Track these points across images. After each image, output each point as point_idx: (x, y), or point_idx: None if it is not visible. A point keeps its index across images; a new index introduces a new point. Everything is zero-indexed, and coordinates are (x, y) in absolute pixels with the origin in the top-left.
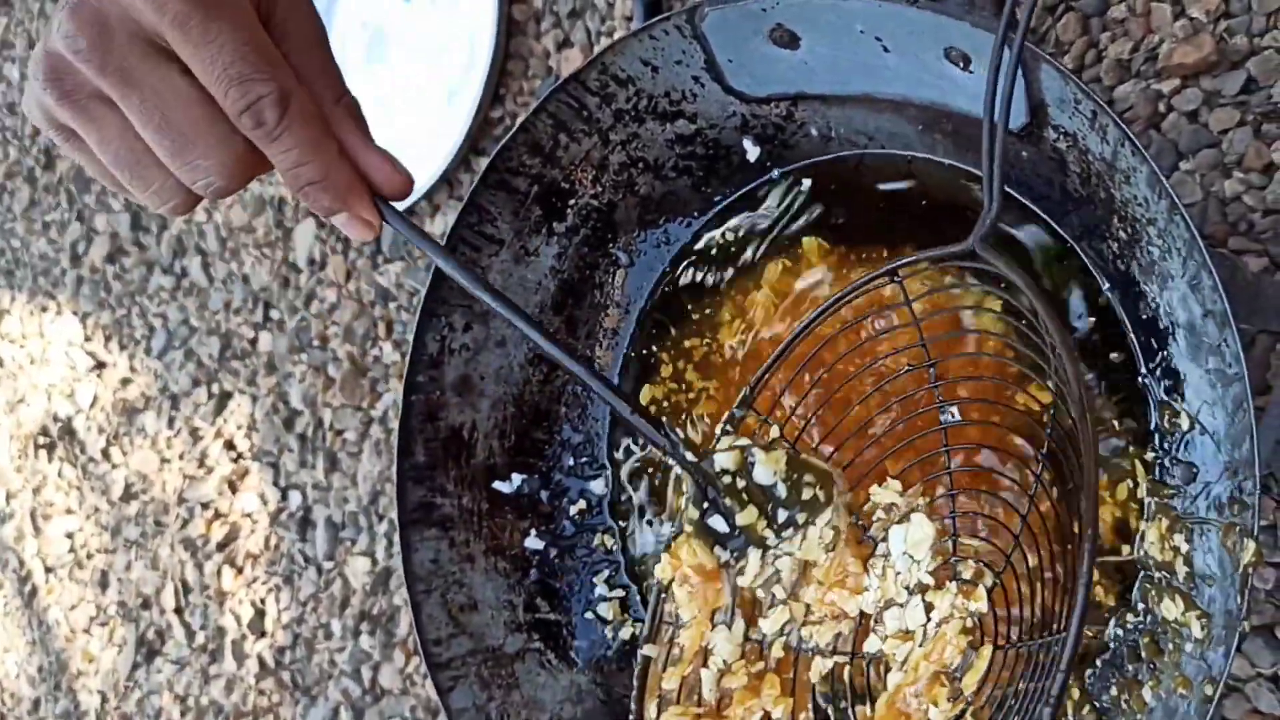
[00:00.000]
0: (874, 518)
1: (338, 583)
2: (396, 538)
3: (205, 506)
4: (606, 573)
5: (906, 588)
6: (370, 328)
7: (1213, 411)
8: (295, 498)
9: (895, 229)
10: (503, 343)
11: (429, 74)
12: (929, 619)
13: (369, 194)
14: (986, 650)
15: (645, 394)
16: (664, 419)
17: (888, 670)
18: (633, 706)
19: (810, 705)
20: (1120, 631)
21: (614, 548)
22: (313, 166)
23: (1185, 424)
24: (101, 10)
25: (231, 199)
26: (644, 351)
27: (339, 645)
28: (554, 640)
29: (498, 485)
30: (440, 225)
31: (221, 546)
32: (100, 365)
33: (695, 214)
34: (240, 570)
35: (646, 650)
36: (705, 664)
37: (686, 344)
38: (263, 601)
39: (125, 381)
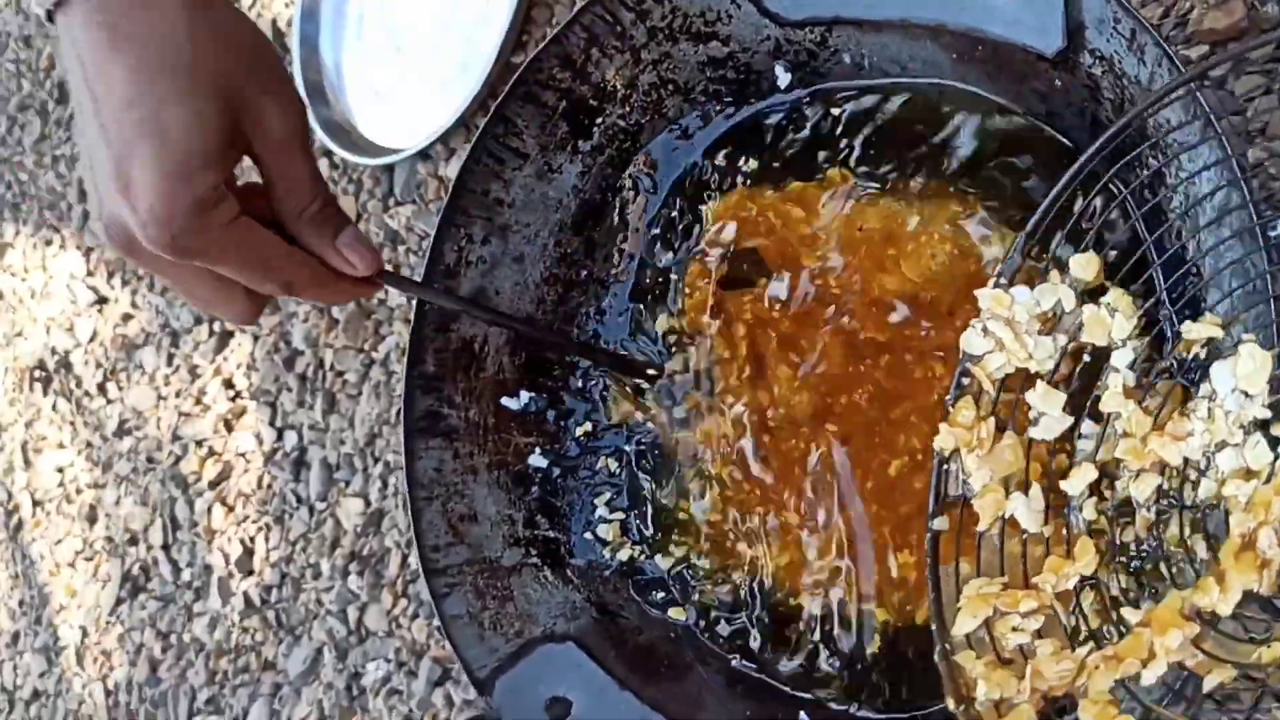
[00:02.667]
0: (1188, 354)
1: (329, 523)
2: (392, 479)
3: (199, 444)
4: (608, 495)
5: (1241, 426)
6: None
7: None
8: (291, 438)
9: (923, 162)
10: (520, 259)
11: (450, 16)
12: (1277, 454)
13: (345, 283)
14: None
15: (662, 323)
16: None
17: (1228, 515)
18: (929, 586)
19: (1132, 563)
20: None
21: (617, 471)
22: (308, 296)
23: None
24: (127, 233)
25: None
26: (660, 279)
27: (326, 585)
28: (551, 557)
29: (505, 401)
30: (455, 168)
31: (213, 484)
32: (102, 300)
33: (721, 138)
34: (231, 509)
35: (936, 524)
36: (1002, 533)
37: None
38: (252, 540)
39: (126, 317)
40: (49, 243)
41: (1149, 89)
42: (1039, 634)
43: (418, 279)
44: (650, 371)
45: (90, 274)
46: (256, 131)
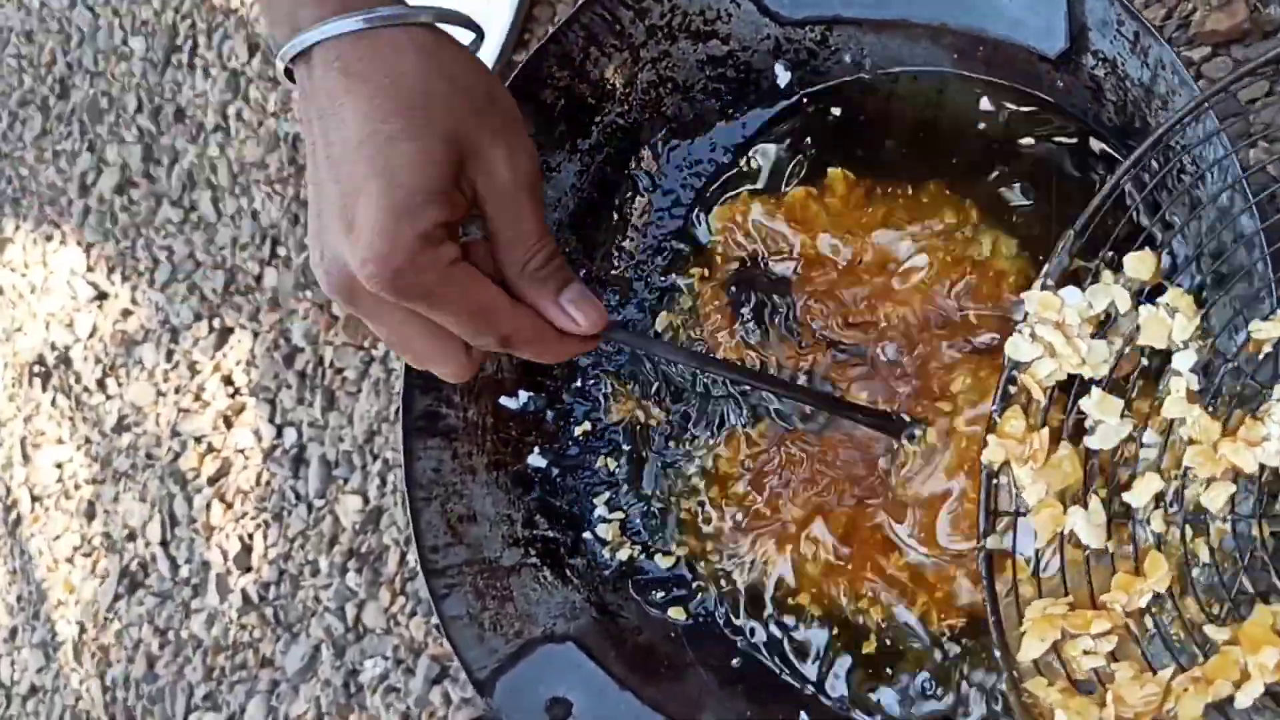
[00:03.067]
0: (1260, 353)
1: (327, 520)
2: (390, 477)
3: (199, 441)
4: (607, 495)
5: None
6: None
7: (1234, 338)
8: (290, 435)
9: (922, 163)
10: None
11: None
12: None
13: (567, 339)
14: None
15: (663, 320)
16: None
17: None
18: (987, 606)
19: (1210, 577)
20: None
21: (616, 471)
22: (526, 352)
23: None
24: (347, 276)
25: (245, 132)
26: (661, 278)
27: (325, 582)
28: (551, 557)
29: (504, 401)
30: None
31: (212, 481)
32: (102, 296)
33: (721, 139)
34: (229, 505)
35: (990, 543)
36: (1062, 550)
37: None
38: (250, 537)
39: (126, 313)
40: (49, 238)
41: (1151, 91)
42: (1113, 656)
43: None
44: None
45: (90, 269)
46: (484, 178)
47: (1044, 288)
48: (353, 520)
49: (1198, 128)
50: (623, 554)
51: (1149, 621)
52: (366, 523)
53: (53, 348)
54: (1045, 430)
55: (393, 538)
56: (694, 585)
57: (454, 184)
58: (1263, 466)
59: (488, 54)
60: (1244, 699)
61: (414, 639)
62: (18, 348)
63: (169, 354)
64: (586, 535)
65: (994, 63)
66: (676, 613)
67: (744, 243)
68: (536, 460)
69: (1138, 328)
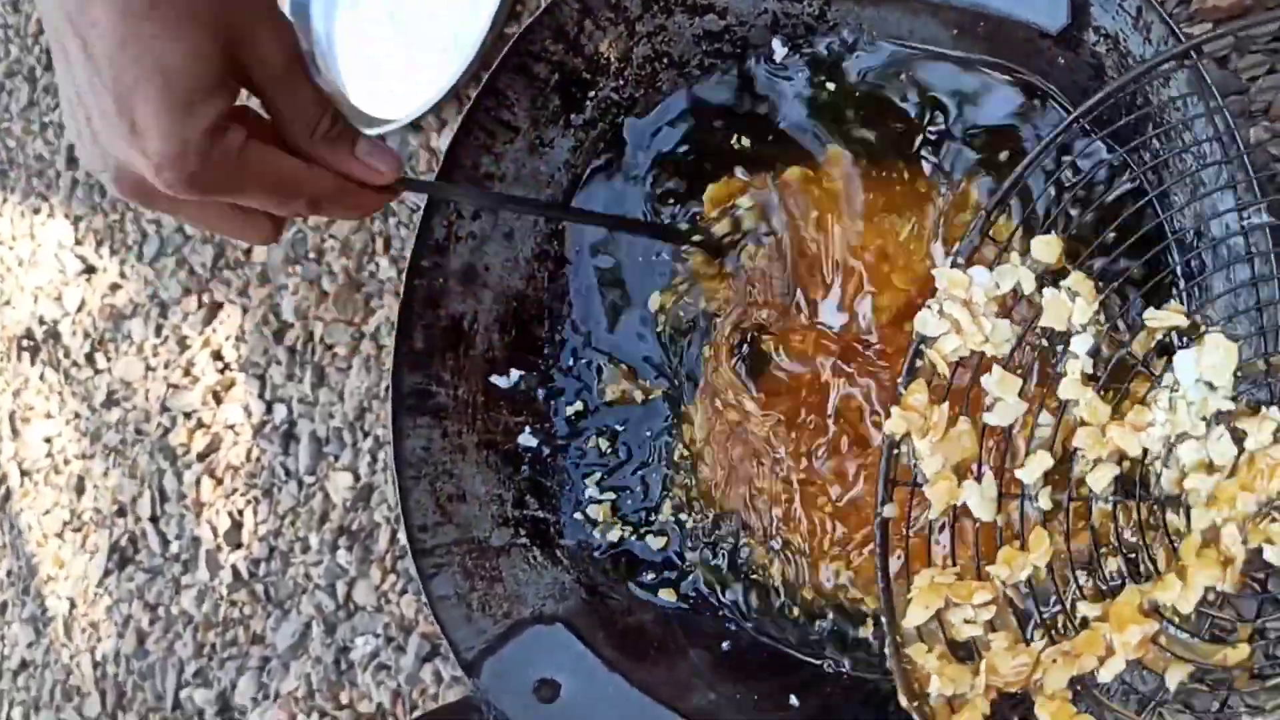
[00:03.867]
0: (1151, 342)
1: (318, 497)
2: (381, 453)
3: (188, 416)
4: (598, 475)
5: (1204, 418)
6: (368, 242)
7: (1237, 322)
8: (280, 411)
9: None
10: (510, 235)
11: None
12: (1241, 449)
13: (369, 192)
14: None
15: (654, 300)
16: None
17: (1188, 510)
18: (878, 570)
19: (1089, 556)
20: None
21: (607, 451)
22: (333, 211)
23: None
24: (138, 180)
25: None
26: (654, 257)
27: (315, 559)
28: (541, 537)
29: (495, 379)
30: (447, 141)
31: (202, 457)
32: (90, 269)
33: (718, 115)
34: (219, 481)
35: (885, 511)
36: (954, 522)
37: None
38: (240, 513)
39: (114, 287)
40: (37, 211)
41: (1153, 68)
42: (992, 627)
43: (419, 196)
44: (696, 238)
45: (79, 243)
46: (254, 60)
47: (953, 265)
48: (343, 497)
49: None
50: (613, 535)
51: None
52: (357, 500)
53: (41, 321)
54: (945, 404)
55: (383, 515)
56: (685, 568)
57: (228, 72)
58: (1146, 451)
59: (478, 27)
60: (1106, 674)
61: (405, 617)
62: (5, 321)
63: (158, 329)
64: (577, 516)
65: (994, 39)
66: (667, 595)
67: (739, 220)
68: (527, 440)
69: (1039, 311)
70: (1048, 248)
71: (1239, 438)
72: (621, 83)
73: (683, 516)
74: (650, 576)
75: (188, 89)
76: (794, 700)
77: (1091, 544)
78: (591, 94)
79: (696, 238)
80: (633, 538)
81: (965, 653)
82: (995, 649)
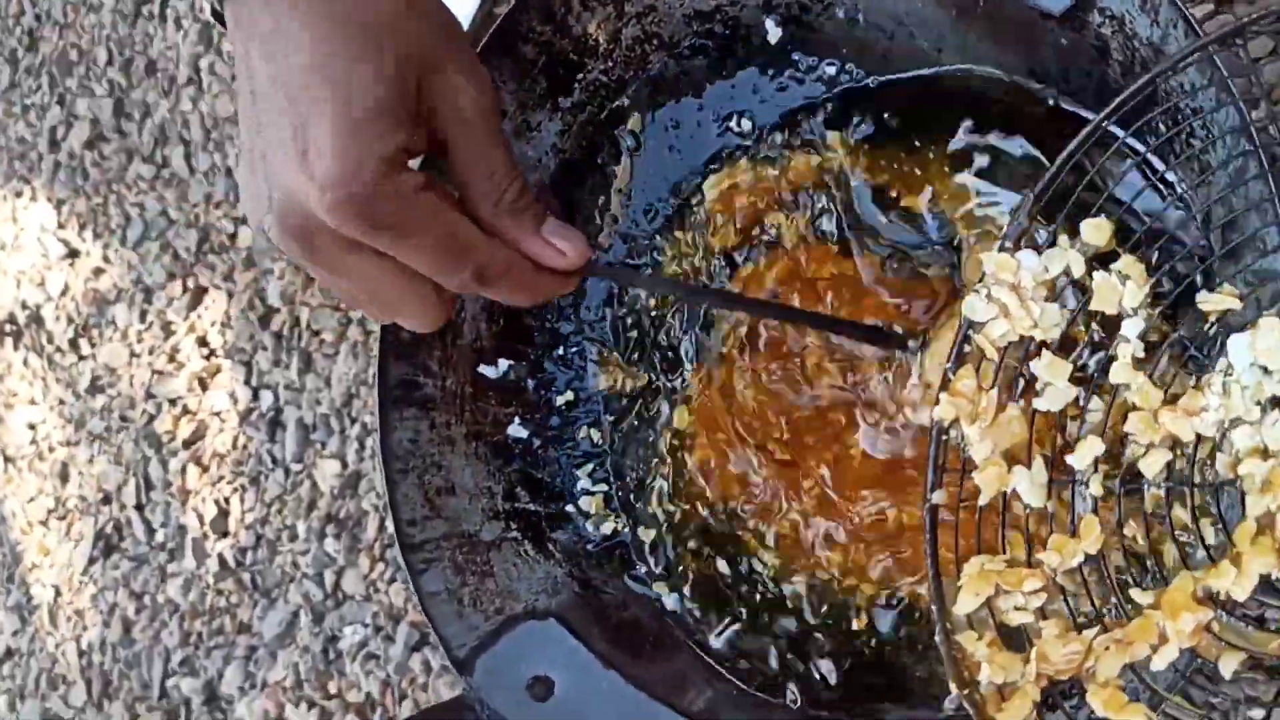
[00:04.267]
0: (1205, 328)
1: (305, 485)
2: (369, 441)
3: (173, 403)
4: (590, 466)
5: (1258, 403)
6: None
7: (1244, 311)
8: (267, 397)
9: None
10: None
11: None
12: None
13: (546, 275)
14: None
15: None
16: None
17: (1243, 496)
18: (927, 563)
19: (1140, 542)
20: None
21: (599, 441)
22: (502, 290)
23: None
24: (304, 216)
25: (218, 86)
26: (644, 241)
27: (303, 548)
28: (532, 530)
29: (484, 369)
30: None
31: (188, 444)
32: (73, 254)
33: (710, 99)
34: (205, 469)
35: (935, 498)
36: (1004, 508)
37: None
38: (227, 501)
39: (98, 271)
40: (19, 194)
41: (1161, 51)
42: (1043, 614)
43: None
44: (905, 339)
45: (61, 226)
46: (447, 105)
47: (1001, 249)
48: (331, 485)
49: (1208, 91)
50: (607, 527)
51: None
52: (345, 488)
53: (24, 306)
54: (995, 390)
55: (371, 503)
56: (677, 563)
57: (415, 108)
58: (1199, 436)
59: (468, 4)
60: (1160, 662)
61: (394, 606)
62: None
63: (142, 314)
64: (569, 508)
65: (995, 19)
66: (661, 588)
67: (740, 210)
68: (517, 431)
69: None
70: (1097, 230)
71: None
72: (610, 64)
73: (670, 507)
74: (644, 569)
75: (371, 110)
76: (792, 695)
77: (1144, 530)
78: (579, 76)
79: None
80: (626, 530)
81: (1015, 641)
82: (1046, 637)
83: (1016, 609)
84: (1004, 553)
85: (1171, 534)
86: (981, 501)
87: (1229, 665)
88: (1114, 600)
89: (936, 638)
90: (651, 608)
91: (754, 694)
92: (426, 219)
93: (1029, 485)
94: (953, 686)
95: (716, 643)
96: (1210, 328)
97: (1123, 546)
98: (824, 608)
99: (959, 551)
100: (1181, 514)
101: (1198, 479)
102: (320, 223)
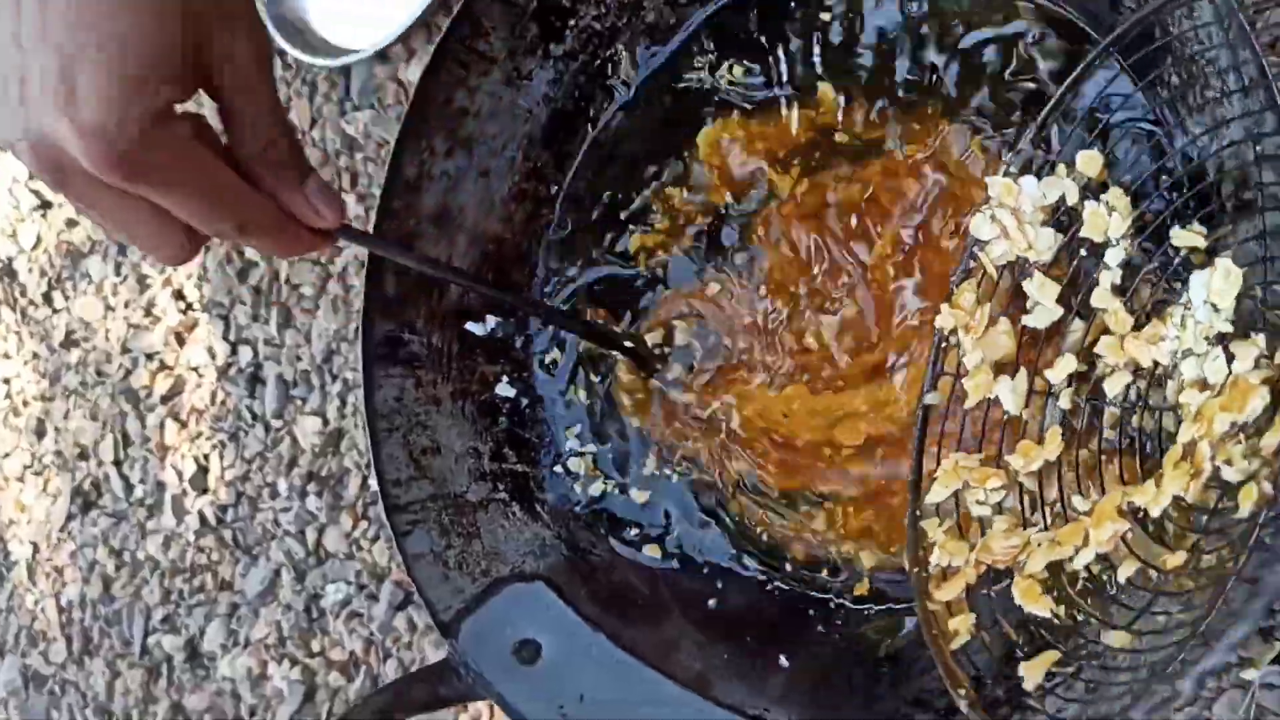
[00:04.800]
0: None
1: (286, 442)
2: (351, 397)
3: (150, 358)
4: (579, 427)
5: (1206, 338)
6: (334, 178)
7: (1256, 270)
8: (245, 353)
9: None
10: (486, 174)
11: None
12: (1230, 371)
13: (305, 233)
14: None
15: (635, 241)
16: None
17: (1179, 423)
18: (913, 455)
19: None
20: None
21: (587, 401)
22: (259, 241)
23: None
24: (58, 154)
25: None
26: (632, 194)
27: (284, 505)
28: (520, 491)
29: (470, 326)
30: (416, 72)
31: (165, 399)
32: (45, 205)
33: (705, 49)
34: (184, 425)
35: (929, 398)
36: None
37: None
38: (206, 457)
39: (71, 224)
40: None
41: None
42: (999, 510)
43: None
44: (645, 358)
45: (32, 177)
46: (220, 58)
47: (1005, 174)
48: (312, 442)
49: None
50: (595, 488)
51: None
52: (326, 445)
53: None
54: (989, 304)
55: (353, 461)
56: (668, 522)
57: (190, 58)
58: (1156, 363)
59: None
60: (1078, 561)
61: (377, 564)
62: None
63: (117, 267)
64: (557, 469)
65: None
66: (651, 550)
67: (734, 166)
68: (504, 390)
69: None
70: (1091, 161)
71: (1231, 360)
72: (603, 10)
73: (666, 470)
74: (633, 532)
75: (141, 66)
76: (784, 661)
77: (1098, 445)
78: (572, 22)
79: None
80: (615, 491)
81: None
82: (994, 530)
83: (978, 503)
84: (980, 453)
85: (1118, 450)
86: (967, 405)
87: (1125, 571)
88: (1060, 505)
89: (907, 520)
90: (640, 570)
91: (743, 658)
92: (190, 171)
93: (1009, 393)
94: (906, 563)
95: (707, 605)
96: (1182, 262)
97: (1076, 458)
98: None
99: (940, 449)
100: (1130, 432)
101: (1151, 402)
102: (77, 163)
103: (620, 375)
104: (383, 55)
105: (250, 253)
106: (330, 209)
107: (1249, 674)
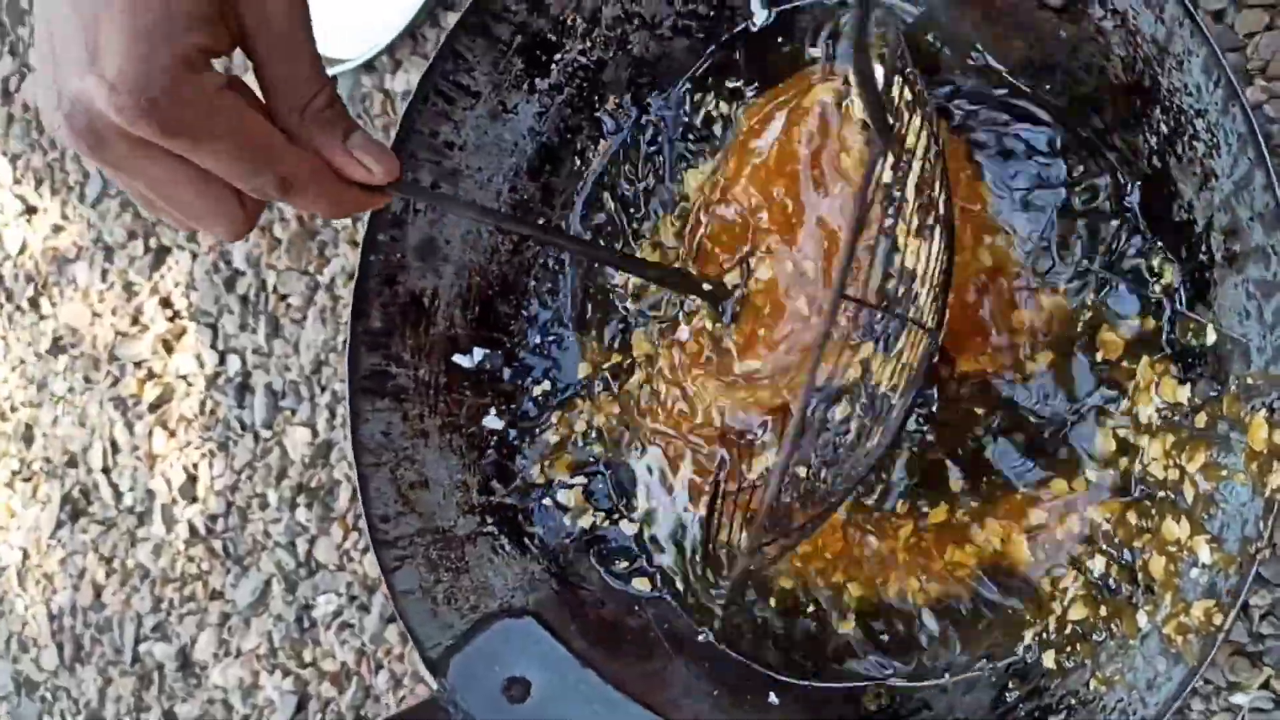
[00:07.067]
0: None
1: (275, 452)
2: (340, 409)
3: (138, 365)
4: (568, 458)
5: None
6: None
7: (1245, 325)
8: (234, 362)
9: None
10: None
11: None
12: None
13: (353, 189)
14: None
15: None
16: None
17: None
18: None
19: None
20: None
21: (579, 432)
22: (308, 200)
23: (1210, 337)
24: (91, 123)
25: None
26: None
27: (274, 516)
28: (509, 525)
29: (458, 359)
30: (402, 83)
31: (154, 407)
32: (30, 210)
33: (690, 80)
34: (173, 433)
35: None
36: None
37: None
38: (195, 467)
39: (57, 229)
40: None
41: (1166, 50)
42: None
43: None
44: (706, 288)
45: (17, 182)
46: (253, 12)
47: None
48: (301, 453)
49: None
50: (584, 521)
51: None
52: (316, 456)
53: None
54: None
55: (343, 473)
56: (658, 555)
57: (220, 7)
58: None
59: None
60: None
61: (367, 576)
62: None
63: (104, 273)
64: (546, 502)
65: (992, 6)
66: (641, 584)
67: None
68: (493, 422)
69: None
70: None
71: None
72: (589, 45)
73: (654, 500)
74: (623, 564)
75: (166, 15)
76: (773, 698)
77: None
78: (558, 56)
79: (707, 287)
80: (605, 524)
81: None
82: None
83: None
84: None
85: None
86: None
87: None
88: None
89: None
90: (630, 603)
91: (733, 694)
92: (225, 122)
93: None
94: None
95: (698, 641)
96: None
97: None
98: (813, 609)
99: None
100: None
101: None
102: (110, 122)
103: (601, 405)
104: (369, 65)
105: (238, 261)
106: (380, 163)
107: (1238, 698)
